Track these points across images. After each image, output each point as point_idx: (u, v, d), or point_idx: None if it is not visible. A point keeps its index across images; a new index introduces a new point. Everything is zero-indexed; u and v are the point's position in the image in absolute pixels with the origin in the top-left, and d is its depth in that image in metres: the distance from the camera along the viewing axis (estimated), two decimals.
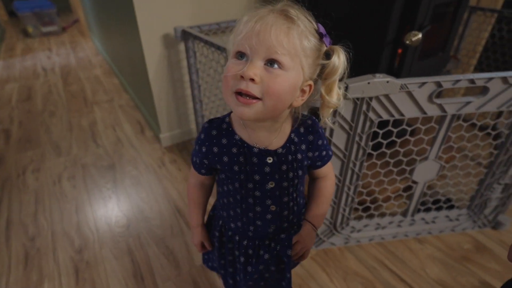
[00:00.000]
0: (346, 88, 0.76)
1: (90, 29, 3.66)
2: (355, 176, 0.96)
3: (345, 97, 0.78)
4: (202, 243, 0.71)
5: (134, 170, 1.55)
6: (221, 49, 1.12)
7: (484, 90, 0.84)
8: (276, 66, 0.43)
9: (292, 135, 0.55)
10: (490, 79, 0.82)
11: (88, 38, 3.88)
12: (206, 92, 1.49)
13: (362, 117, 0.83)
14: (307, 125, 0.57)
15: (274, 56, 0.43)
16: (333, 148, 0.88)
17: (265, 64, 0.44)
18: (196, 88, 1.48)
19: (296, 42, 0.43)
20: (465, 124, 0.93)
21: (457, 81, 0.81)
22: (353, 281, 1.03)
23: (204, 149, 0.56)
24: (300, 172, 0.57)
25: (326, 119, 0.51)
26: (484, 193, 1.10)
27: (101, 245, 1.17)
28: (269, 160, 0.54)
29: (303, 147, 0.56)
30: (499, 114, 1.67)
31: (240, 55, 0.45)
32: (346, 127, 0.85)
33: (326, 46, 0.47)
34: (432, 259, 1.10)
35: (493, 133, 0.97)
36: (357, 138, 0.87)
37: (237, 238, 0.64)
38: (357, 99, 0.80)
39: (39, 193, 1.42)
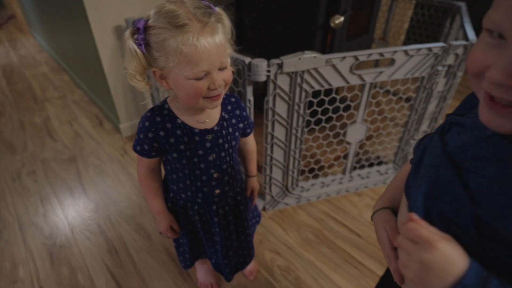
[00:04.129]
0: (281, 65, 0.92)
1: (31, 25, 3.46)
2: (298, 141, 1.14)
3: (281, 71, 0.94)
4: (171, 227, 0.76)
5: (97, 160, 1.60)
6: None
7: (391, 62, 1.05)
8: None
9: (223, 113, 0.67)
10: (395, 52, 1.02)
11: (28, 34, 3.65)
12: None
13: (298, 89, 1.00)
14: (232, 102, 0.69)
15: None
16: (276, 117, 1.04)
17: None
18: (151, 76, 1.55)
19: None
20: (381, 91, 1.14)
21: (370, 54, 1.00)
22: (305, 231, 1.22)
23: (150, 135, 0.62)
24: (233, 143, 0.69)
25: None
26: (404, 149, 1.34)
27: (72, 229, 1.23)
28: (209, 137, 0.64)
29: (233, 121, 0.69)
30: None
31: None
32: (286, 98, 1.01)
33: (217, 12, 0.56)
34: (367, 207, 1.32)
35: (404, 97, 1.19)
36: (296, 107, 1.04)
37: (189, 204, 0.75)
38: (292, 73, 0.96)
39: None
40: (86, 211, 1.31)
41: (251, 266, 1.06)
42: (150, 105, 1.77)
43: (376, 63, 2.01)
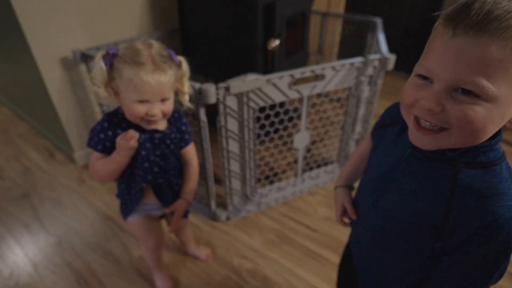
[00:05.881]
0: (228, 88, 1.04)
1: None
2: (251, 153, 1.26)
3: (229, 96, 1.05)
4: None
5: (53, 193, 1.56)
6: None
7: (322, 77, 1.23)
8: None
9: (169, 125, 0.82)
10: (324, 68, 1.20)
11: None
12: (115, 105, 1.60)
13: (245, 107, 1.12)
14: (176, 117, 0.84)
15: None
16: (229, 133, 1.15)
17: None
18: (104, 104, 1.58)
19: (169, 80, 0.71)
20: (326, 99, 1.31)
21: (303, 72, 1.16)
22: (267, 233, 1.33)
23: (110, 133, 0.74)
24: (172, 146, 0.83)
25: (187, 102, 0.83)
26: (344, 149, 1.53)
27: (35, 266, 1.20)
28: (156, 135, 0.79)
29: (174, 129, 0.83)
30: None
31: None
32: (236, 116, 1.13)
33: (177, 62, 0.74)
34: (320, 204, 1.48)
35: (338, 105, 1.38)
36: (246, 123, 1.16)
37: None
38: (238, 93, 1.08)
39: None
40: (47, 246, 1.28)
41: (206, 251, 1.22)
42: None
43: (316, 78, 2.23)
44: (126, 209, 0.89)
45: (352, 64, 1.23)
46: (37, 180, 1.65)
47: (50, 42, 1.42)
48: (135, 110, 0.70)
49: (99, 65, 0.69)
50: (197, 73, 1.79)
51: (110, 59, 0.68)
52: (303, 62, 1.74)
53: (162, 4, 1.77)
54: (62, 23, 1.42)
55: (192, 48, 1.68)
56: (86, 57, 1.43)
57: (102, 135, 0.74)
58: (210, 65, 1.64)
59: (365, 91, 1.37)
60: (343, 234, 1.30)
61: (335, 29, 2.27)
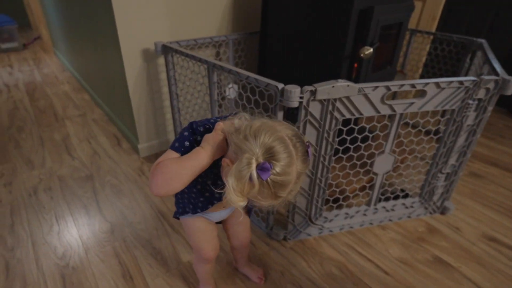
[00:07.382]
0: (315, 91, 0.92)
1: (56, 46, 3.60)
2: (325, 170, 1.11)
3: (314, 99, 0.93)
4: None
5: (114, 179, 1.58)
6: (202, 61, 1.25)
7: (423, 93, 1.04)
8: None
9: None
10: (427, 83, 1.02)
11: (52, 54, 3.80)
12: (185, 102, 1.59)
13: (328, 116, 0.99)
14: None
15: None
16: None
17: None
18: (175, 98, 1.57)
19: None
20: (410, 125, 1.12)
21: (402, 85, 1.00)
22: (328, 264, 1.16)
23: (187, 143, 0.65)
24: None
25: None
26: (431, 182, 1.30)
27: (86, 250, 1.18)
28: None
29: None
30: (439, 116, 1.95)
31: None
32: (316, 125, 1.00)
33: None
34: (393, 241, 1.26)
35: (433, 129, 1.17)
36: (325, 135, 1.02)
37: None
38: (324, 100, 0.95)
39: (14, 206, 1.40)
40: (101, 232, 1.27)
41: (259, 273, 1.09)
42: (171, 126, 1.78)
43: (394, 96, 2.01)
44: (181, 208, 0.80)
45: (461, 82, 1.03)
46: (102, 164, 1.70)
47: (136, 33, 1.45)
48: None
49: (253, 177, 0.52)
50: (272, 79, 1.72)
51: (261, 179, 0.53)
52: (389, 79, 1.55)
53: (246, 6, 1.74)
54: (149, 15, 1.45)
55: (269, 52, 1.60)
56: (167, 50, 1.44)
57: (187, 143, 0.66)
58: (288, 70, 1.55)
59: (470, 117, 1.14)
60: (421, 283, 1.07)
61: (424, 48, 2.04)
